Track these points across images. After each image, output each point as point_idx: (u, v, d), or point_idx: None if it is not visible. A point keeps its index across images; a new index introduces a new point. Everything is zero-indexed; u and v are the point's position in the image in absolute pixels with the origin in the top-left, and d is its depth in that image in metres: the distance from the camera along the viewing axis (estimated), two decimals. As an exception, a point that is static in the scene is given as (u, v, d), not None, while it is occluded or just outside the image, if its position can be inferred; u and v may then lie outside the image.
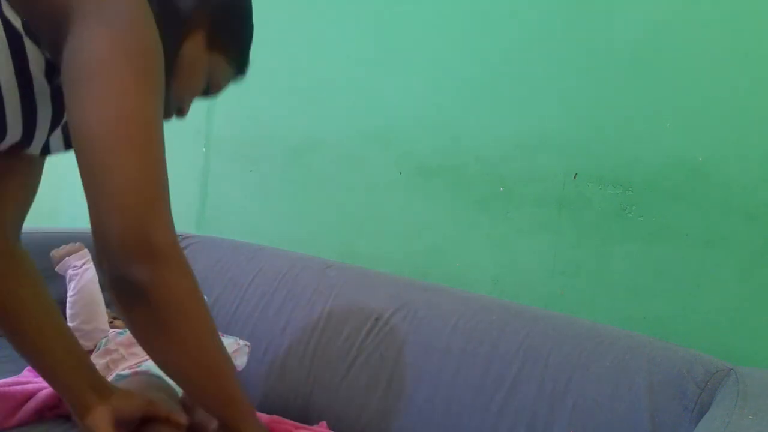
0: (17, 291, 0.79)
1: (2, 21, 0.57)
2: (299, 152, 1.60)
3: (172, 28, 0.65)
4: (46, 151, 0.73)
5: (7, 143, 0.66)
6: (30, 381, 1.04)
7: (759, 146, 1.02)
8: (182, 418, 0.84)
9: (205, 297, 1.26)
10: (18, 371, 1.12)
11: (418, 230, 1.40)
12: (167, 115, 0.79)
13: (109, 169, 0.54)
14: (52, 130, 0.70)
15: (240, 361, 1.13)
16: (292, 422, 1.08)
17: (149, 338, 0.62)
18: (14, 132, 0.64)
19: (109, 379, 1.04)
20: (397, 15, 1.43)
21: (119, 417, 0.80)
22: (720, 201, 1.05)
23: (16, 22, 0.58)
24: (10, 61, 0.58)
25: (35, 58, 0.60)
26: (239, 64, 0.84)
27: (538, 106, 1.23)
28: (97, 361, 1.10)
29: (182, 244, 1.56)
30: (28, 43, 0.59)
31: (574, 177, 1.19)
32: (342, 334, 1.19)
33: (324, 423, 1.10)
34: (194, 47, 0.76)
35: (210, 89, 0.83)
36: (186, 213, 1.83)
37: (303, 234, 1.60)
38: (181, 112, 0.81)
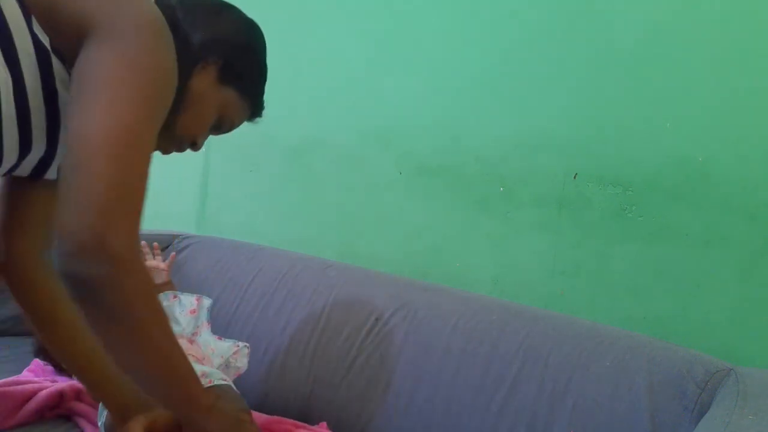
0: (65, 313, 0.83)
1: (32, 36, 0.61)
2: (299, 152, 1.60)
3: (183, 60, 0.67)
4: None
5: (34, 157, 0.69)
6: (30, 381, 1.05)
7: (759, 146, 1.02)
8: None
9: (206, 297, 1.26)
10: (18, 371, 1.12)
11: (418, 230, 1.40)
12: (177, 147, 0.84)
13: (86, 170, 0.56)
14: None
15: (241, 363, 1.13)
16: (292, 421, 1.08)
17: (100, 331, 0.63)
18: (39, 144, 0.67)
19: None
20: (397, 15, 1.43)
21: (153, 427, 0.82)
22: (720, 201, 1.05)
23: (44, 40, 0.62)
24: (38, 73, 0.62)
25: (60, 74, 0.64)
26: (253, 101, 0.88)
27: (538, 106, 1.23)
28: None
29: (182, 244, 1.56)
30: (54, 59, 0.63)
31: (574, 177, 1.19)
32: (342, 334, 1.19)
33: (324, 423, 1.10)
34: (204, 80, 0.79)
35: (222, 125, 0.86)
36: (186, 213, 1.83)
37: (303, 234, 1.60)
38: (195, 146, 0.85)
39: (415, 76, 1.41)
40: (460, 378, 1.05)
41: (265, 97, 0.92)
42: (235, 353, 1.13)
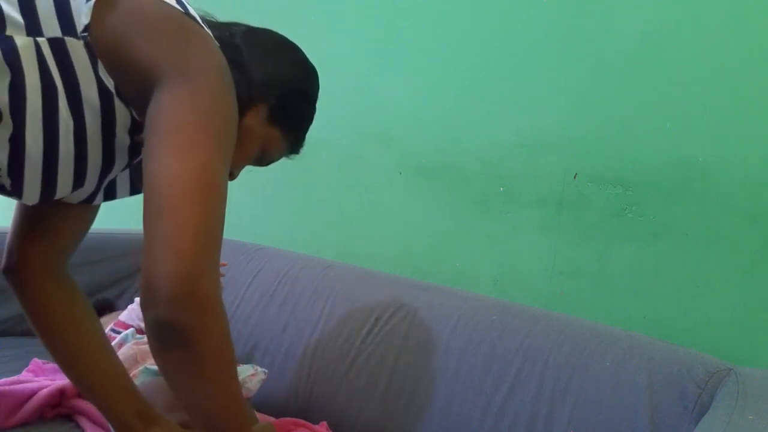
0: (73, 324, 0.85)
1: (97, 80, 0.63)
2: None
3: (241, 97, 0.68)
4: (111, 196, 0.78)
5: (86, 190, 0.71)
6: (31, 380, 1.04)
7: (759, 146, 1.02)
8: None
9: None
10: (18, 371, 1.12)
11: (418, 230, 1.40)
12: None
13: (172, 216, 0.57)
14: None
15: (252, 385, 1.09)
16: (292, 420, 1.08)
17: (180, 378, 0.64)
18: (92, 181, 0.70)
19: (136, 370, 1.05)
20: (397, 15, 1.43)
21: None
22: (720, 201, 1.05)
23: (109, 83, 0.64)
24: (99, 116, 0.64)
25: (122, 116, 0.66)
26: (295, 142, 0.91)
27: (538, 106, 1.23)
28: (126, 352, 1.10)
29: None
30: (117, 102, 0.65)
31: (574, 177, 1.19)
32: (342, 334, 1.19)
33: (324, 423, 1.11)
34: (255, 118, 0.81)
35: (262, 159, 0.89)
36: (186, 213, 1.83)
37: (303, 234, 1.60)
38: (231, 176, 0.85)
39: (415, 77, 1.41)
40: (460, 378, 1.05)
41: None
42: (252, 375, 1.10)
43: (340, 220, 1.53)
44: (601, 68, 1.16)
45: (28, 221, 0.83)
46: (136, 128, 0.68)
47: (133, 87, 0.64)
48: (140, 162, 0.71)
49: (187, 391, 0.66)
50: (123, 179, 0.78)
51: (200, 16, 0.70)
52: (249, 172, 1.70)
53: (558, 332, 1.03)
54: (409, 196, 1.41)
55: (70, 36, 0.61)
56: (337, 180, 1.53)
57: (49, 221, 0.83)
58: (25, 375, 1.10)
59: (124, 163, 0.72)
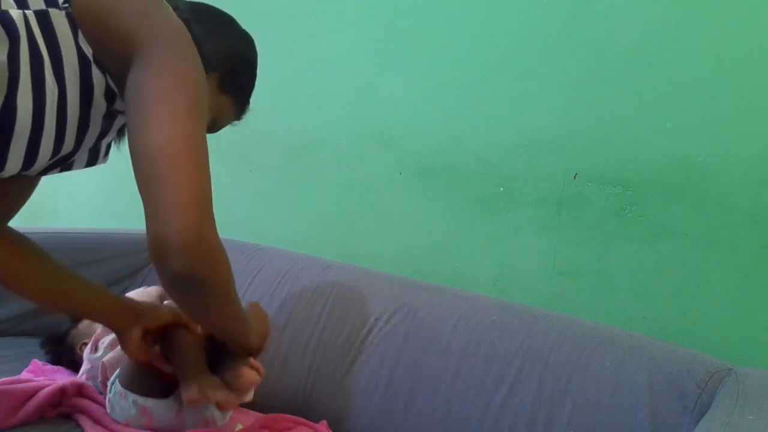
0: (28, 258, 0.89)
1: (77, 48, 0.67)
2: (299, 152, 1.60)
3: None
4: (68, 167, 0.80)
5: (61, 154, 0.73)
6: (30, 380, 1.04)
7: (759, 146, 1.02)
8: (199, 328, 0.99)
9: None
10: (18, 371, 1.12)
11: (418, 230, 1.40)
12: None
13: (172, 178, 0.63)
14: (89, 147, 0.78)
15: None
16: (292, 417, 1.08)
17: (197, 312, 0.78)
18: (67, 148, 0.72)
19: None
20: (397, 15, 1.43)
21: (148, 332, 0.94)
22: (720, 201, 1.05)
23: (88, 51, 0.68)
24: (78, 83, 0.68)
25: (98, 82, 0.70)
26: (242, 107, 0.98)
27: (538, 106, 1.23)
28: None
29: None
30: (94, 69, 0.69)
31: (574, 177, 1.19)
32: (342, 334, 1.19)
33: (324, 422, 1.11)
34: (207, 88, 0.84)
35: (212, 127, 0.95)
36: (186, 213, 1.83)
37: (303, 234, 1.60)
38: None
39: (415, 77, 1.41)
40: (460, 378, 1.05)
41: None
42: None
43: (340, 220, 1.53)
44: (601, 68, 1.16)
45: None
46: (111, 95, 0.72)
47: (111, 55, 0.68)
48: (99, 137, 0.77)
49: (203, 319, 0.81)
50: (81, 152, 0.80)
51: None
52: (249, 173, 1.70)
53: (558, 332, 1.03)
54: (409, 196, 1.41)
55: (53, 7, 0.65)
56: (337, 180, 1.53)
57: None
58: (24, 375, 1.11)
59: (97, 130, 0.74)
